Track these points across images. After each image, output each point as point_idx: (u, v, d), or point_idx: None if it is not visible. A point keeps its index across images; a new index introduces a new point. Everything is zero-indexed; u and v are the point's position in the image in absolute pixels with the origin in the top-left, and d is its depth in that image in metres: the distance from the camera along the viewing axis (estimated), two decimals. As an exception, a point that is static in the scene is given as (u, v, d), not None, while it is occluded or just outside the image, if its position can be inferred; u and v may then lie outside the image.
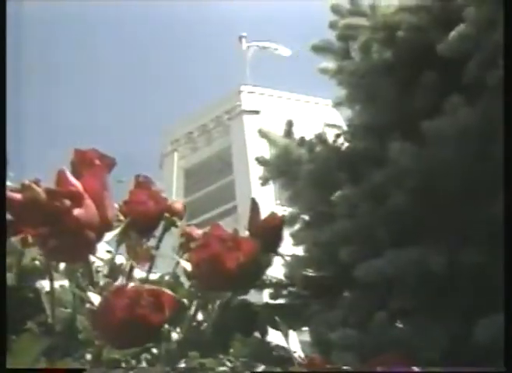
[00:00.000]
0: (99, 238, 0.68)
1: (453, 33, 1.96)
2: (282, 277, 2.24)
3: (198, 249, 0.91)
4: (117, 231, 0.75)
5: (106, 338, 0.74)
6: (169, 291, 0.72)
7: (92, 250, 0.69)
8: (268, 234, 1.10)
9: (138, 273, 1.14)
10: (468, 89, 1.94)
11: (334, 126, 2.80)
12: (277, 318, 1.19)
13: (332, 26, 2.73)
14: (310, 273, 2.04)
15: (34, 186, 0.70)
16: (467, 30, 1.92)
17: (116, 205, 1.08)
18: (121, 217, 1.07)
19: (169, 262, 1.20)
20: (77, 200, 0.65)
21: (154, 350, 1.02)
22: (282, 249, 1.14)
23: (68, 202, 0.64)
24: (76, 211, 0.64)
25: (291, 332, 1.26)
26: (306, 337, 2.26)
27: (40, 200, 0.65)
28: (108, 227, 0.69)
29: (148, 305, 0.69)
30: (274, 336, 1.21)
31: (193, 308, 1.08)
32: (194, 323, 1.08)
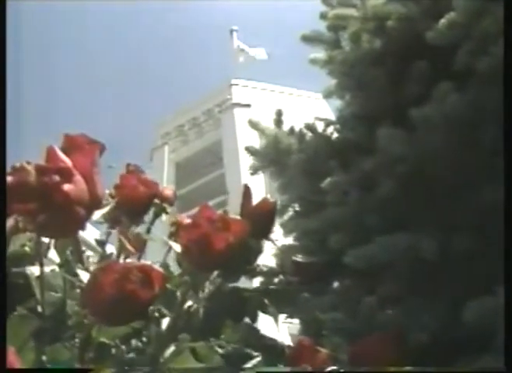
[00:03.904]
0: (89, 214, 0.68)
1: (442, 21, 1.98)
2: (274, 266, 2.25)
3: (188, 230, 0.91)
4: (106, 209, 0.75)
5: (96, 314, 0.74)
6: (158, 268, 0.73)
7: (81, 226, 0.70)
8: (259, 219, 1.10)
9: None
10: (457, 77, 1.95)
11: (324, 119, 2.80)
12: (267, 302, 1.20)
13: (322, 16, 2.73)
14: (299, 259, 2.05)
15: (25, 165, 0.71)
16: (456, 18, 1.93)
17: (106, 190, 1.09)
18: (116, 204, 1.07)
19: (159, 252, 1.20)
20: (66, 175, 0.65)
21: (143, 335, 1.02)
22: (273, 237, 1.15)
23: (57, 178, 0.64)
24: (65, 187, 0.64)
25: (280, 323, 1.27)
26: (295, 330, 2.27)
27: (31, 177, 0.65)
28: (98, 203, 0.69)
29: (137, 281, 0.69)
30: (264, 323, 1.21)
31: (184, 294, 1.08)
32: (185, 309, 1.09)
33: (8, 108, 1.03)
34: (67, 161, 0.68)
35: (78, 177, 0.66)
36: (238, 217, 1.00)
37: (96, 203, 0.68)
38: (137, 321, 0.82)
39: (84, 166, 0.68)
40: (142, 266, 0.71)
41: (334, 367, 1.02)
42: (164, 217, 1.30)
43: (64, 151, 0.98)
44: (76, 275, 0.88)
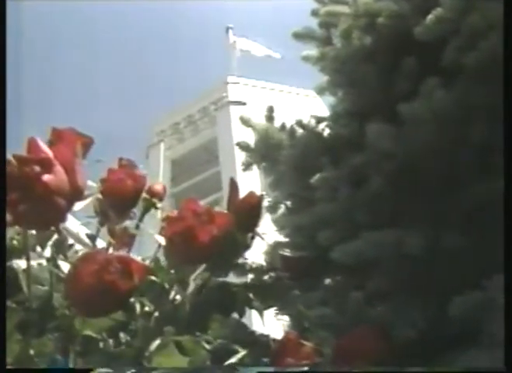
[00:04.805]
0: (70, 205, 0.69)
1: (430, 17, 1.98)
2: (264, 263, 2.25)
3: (172, 223, 0.92)
4: (88, 200, 0.75)
5: (76, 305, 0.74)
6: (138, 259, 0.73)
7: (62, 217, 0.70)
8: (246, 213, 1.10)
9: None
10: (446, 73, 1.95)
11: (315, 116, 2.80)
12: (254, 297, 1.20)
13: (314, 13, 2.73)
14: (288, 254, 2.05)
15: (10, 157, 0.71)
16: (444, 13, 1.94)
17: (94, 184, 1.09)
18: (99, 196, 1.07)
19: (151, 247, 1.20)
20: (47, 166, 0.65)
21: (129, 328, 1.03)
22: (265, 236, 1.15)
23: (37, 168, 0.65)
24: (45, 177, 0.65)
25: (271, 318, 1.27)
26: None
27: (13, 168, 0.66)
28: (79, 195, 0.70)
29: (116, 272, 0.69)
30: (255, 318, 1.22)
31: (172, 289, 1.08)
32: (172, 302, 1.09)
33: (8, 108, 1.03)
34: (48, 152, 0.68)
35: (58, 168, 0.67)
36: (223, 211, 1.00)
37: (77, 194, 0.69)
38: (116, 312, 0.82)
39: (65, 157, 0.69)
40: (121, 258, 0.72)
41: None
42: (159, 213, 1.30)
43: (51, 143, 0.98)
44: (58, 267, 0.88)
